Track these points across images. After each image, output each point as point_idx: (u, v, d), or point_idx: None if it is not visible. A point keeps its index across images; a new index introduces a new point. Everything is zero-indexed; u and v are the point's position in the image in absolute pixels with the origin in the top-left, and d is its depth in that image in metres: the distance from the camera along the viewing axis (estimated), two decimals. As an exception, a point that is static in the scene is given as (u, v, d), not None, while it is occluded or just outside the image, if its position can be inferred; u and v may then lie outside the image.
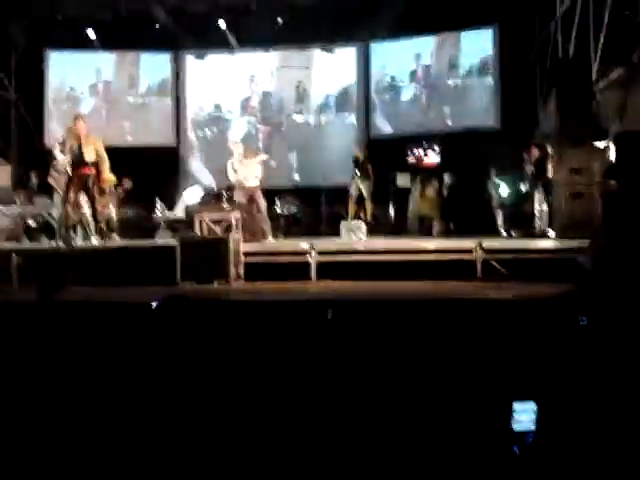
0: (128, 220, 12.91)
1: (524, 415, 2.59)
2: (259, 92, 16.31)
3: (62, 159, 9.64)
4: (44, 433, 3.30)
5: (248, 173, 10.96)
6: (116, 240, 11.07)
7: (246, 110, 16.34)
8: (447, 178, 13.43)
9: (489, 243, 8.36)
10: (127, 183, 12.83)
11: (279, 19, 15.15)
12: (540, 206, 10.51)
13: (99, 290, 7.47)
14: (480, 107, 14.73)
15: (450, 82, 15.17)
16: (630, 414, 2.77)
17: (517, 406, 2.58)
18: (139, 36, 15.39)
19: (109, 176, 11.45)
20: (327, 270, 8.17)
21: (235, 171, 11.04)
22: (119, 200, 12.67)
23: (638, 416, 2.76)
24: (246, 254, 8.40)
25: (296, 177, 15.89)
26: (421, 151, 13.86)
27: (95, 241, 9.74)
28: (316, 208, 14.70)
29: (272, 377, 3.56)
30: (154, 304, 4.00)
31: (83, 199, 9.59)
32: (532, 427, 2.60)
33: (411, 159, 13.96)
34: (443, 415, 2.83)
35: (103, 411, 3.33)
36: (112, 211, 12.25)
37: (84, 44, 15.59)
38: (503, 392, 2.70)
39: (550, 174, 10.26)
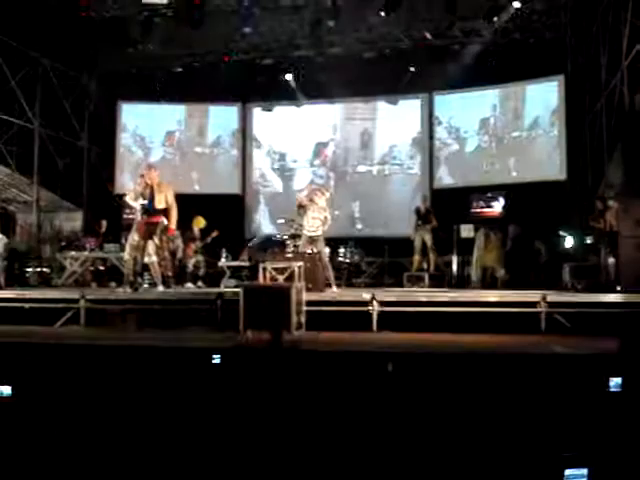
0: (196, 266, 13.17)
1: None
2: (326, 142, 16.54)
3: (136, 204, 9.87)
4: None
5: (317, 222, 10.94)
6: (187, 287, 11.34)
7: (318, 157, 16.54)
8: (511, 229, 13.31)
9: (554, 296, 8.24)
10: (214, 232, 13.07)
11: (345, 72, 15.39)
12: (606, 259, 10.32)
13: (162, 336, 7.62)
14: (545, 159, 14.63)
15: (515, 133, 15.14)
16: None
17: (569, 472, 2.52)
18: (208, 88, 15.86)
19: (198, 222, 11.85)
20: (388, 321, 8.16)
21: (301, 216, 11.06)
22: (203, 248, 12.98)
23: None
24: (308, 303, 8.44)
25: (359, 226, 15.96)
26: (485, 202, 13.78)
27: (161, 287, 9.92)
28: (379, 258, 14.70)
29: (330, 427, 3.58)
30: (216, 356, 4.06)
31: (151, 246, 9.79)
32: None
33: (475, 210, 13.89)
34: (496, 473, 2.80)
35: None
36: (200, 259, 12.63)
37: (156, 96, 16.17)
38: (557, 456, 2.64)
39: (613, 227, 10.10)
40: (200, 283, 12.43)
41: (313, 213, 10.90)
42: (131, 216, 10.87)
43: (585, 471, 2.51)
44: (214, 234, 12.94)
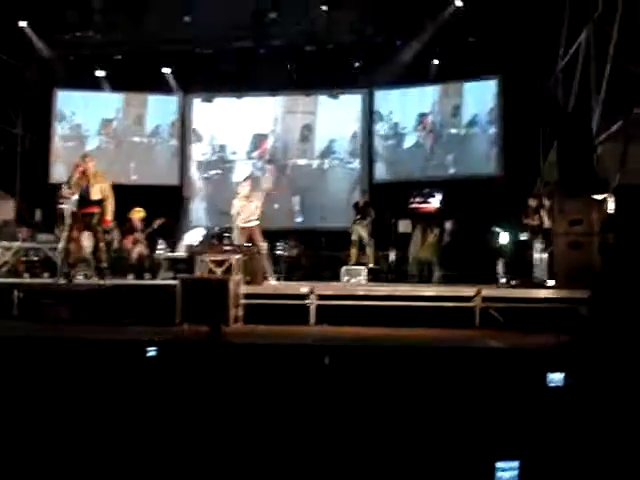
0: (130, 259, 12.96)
1: (507, 473, 2.58)
2: (265, 135, 16.48)
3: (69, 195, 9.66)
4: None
5: (249, 213, 10.99)
6: (117, 278, 11.16)
7: (256, 149, 16.46)
8: (448, 225, 13.50)
9: (488, 291, 8.38)
10: (157, 222, 12.78)
11: (287, 65, 15.37)
12: (540, 255, 10.56)
13: (96, 328, 7.49)
14: (482, 156, 14.88)
15: (453, 130, 15.34)
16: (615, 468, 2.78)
17: (500, 464, 2.56)
18: (147, 78, 15.64)
19: (138, 213, 11.65)
20: (326, 314, 8.18)
21: (238, 211, 11.04)
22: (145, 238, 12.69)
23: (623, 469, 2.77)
24: (246, 296, 8.41)
25: (298, 220, 15.96)
26: (422, 197, 13.93)
27: (95, 279, 9.76)
28: (317, 251, 14.73)
29: (266, 420, 3.57)
30: (152, 349, 4.02)
31: (85, 237, 9.63)
32: None
33: (412, 205, 14.02)
34: (428, 464, 2.84)
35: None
36: (143, 250, 12.36)
37: (93, 84, 15.85)
38: (489, 448, 2.69)
39: (546, 224, 10.35)
40: (148, 275, 12.18)
41: (244, 203, 10.93)
42: (65, 206, 10.60)
43: (516, 464, 2.56)
44: (159, 221, 12.70)
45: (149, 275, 12.02)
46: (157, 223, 12.63)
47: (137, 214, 12.61)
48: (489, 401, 3.38)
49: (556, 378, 3.61)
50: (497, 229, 12.34)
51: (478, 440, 2.83)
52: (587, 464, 2.77)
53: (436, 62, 14.86)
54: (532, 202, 11.12)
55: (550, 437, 2.92)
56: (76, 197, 9.48)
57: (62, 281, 9.56)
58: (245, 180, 12.05)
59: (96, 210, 9.52)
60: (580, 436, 2.96)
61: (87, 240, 9.65)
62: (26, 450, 3.34)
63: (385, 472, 2.90)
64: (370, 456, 3.05)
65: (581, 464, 2.78)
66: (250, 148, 16.52)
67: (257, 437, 3.39)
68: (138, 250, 12.40)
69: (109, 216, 9.74)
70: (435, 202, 14.06)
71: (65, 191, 9.78)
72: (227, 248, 10.06)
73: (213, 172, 16.62)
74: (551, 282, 9.78)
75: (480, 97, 15.05)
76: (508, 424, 3.02)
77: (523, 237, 11.83)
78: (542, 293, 8.75)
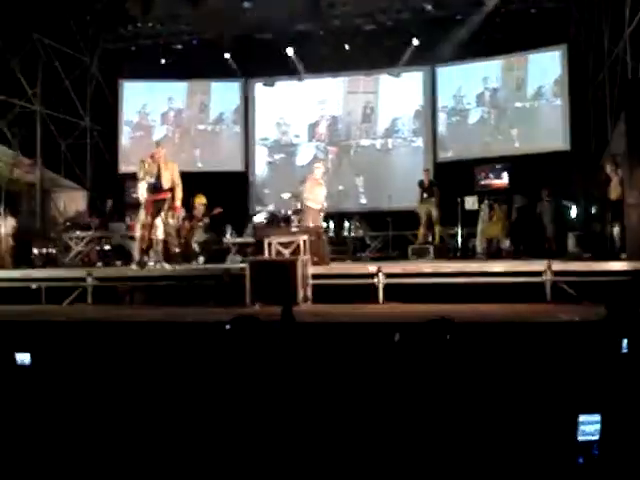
0: (200, 244, 13.18)
1: (589, 426, 2.61)
2: (327, 117, 16.51)
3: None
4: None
5: (321, 195, 10.98)
6: (197, 263, 11.43)
7: (314, 135, 16.56)
8: (516, 200, 13.33)
9: (559, 265, 8.27)
10: (217, 210, 13.00)
11: (346, 45, 15.31)
12: (611, 228, 10.34)
13: (171, 310, 7.68)
14: (549, 129, 14.58)
15: (518, 104, 15.07)
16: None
17: (582, 418, 2.60)
18: (210, 65, 15.81)
19: (199, 199, 11.90)
20: (395, 293, 8.21)
21: (310, 191, 11.03)
22: (206, 226, 12.90)
23: None
24: (314, 276, 8.48)
25: (363, 200, 15.96)
26: (493, 173, 13.75)
27: (167, 265, 9.96)
28: (384, 231, 14.70)
29: (338, 399, 3.61)
30: (227, 325, 4.09)
31: (159, 224, 9.81)
32: (597, 438, 2.61)
33: (483, 182, 13.87)
34: (511, 426, 2.86)
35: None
36: (201, 236, 12.57)
37: (157, 74, 16.11)
38: (569, 405, 2.72)
39: (616, 195, 10.11)
40: (201, 259, 12.35)
41: (317, 186, 10.96)
42: (134, 195, 10.85)
43: (598, 417, 2.59)
44: (217, 211, 12.89)
45: (202, 259, 12.11)
46: (216, 211, 12.81)
47: (199, 201, 12.79)
48: (568, 368, 3.37)
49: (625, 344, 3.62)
50: (567, 203, 12.13)
51: (562, 398, 2.86)
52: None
53: (498, 35, 14.56)
54: (602, 174, 10.86)
55: (628, 393, 2.92)
56: (148, 184, 9.65)
57: (134, 267, 9.80)
58: (319, 162, 12.04)
59: (167, 197, 9.69)
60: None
61: (160, 227, 9.83)
62: (107, 427, 3.46)
63: (468, 437, 2.93)
64: (448, 430, 3.08)
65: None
66: (311, 131, 16.56)
67: (331, 416, 3.44)
68: (202, 237, 12.58)
69: (179, 202, 9.92)
70: (504, 178, 13.89)
71: (140, 182, 9.93)
72: (294, 230, 10.16)
73: (277, 156, 16.74)
74: (623, 254, 9.57)
75: (545, 68, 14.73)
76: (588, 384, 3.03)
77: (593, 210, 11.61)
78: (614, 265, 8.57)
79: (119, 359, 4.84)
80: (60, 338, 5.91)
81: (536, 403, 2.89)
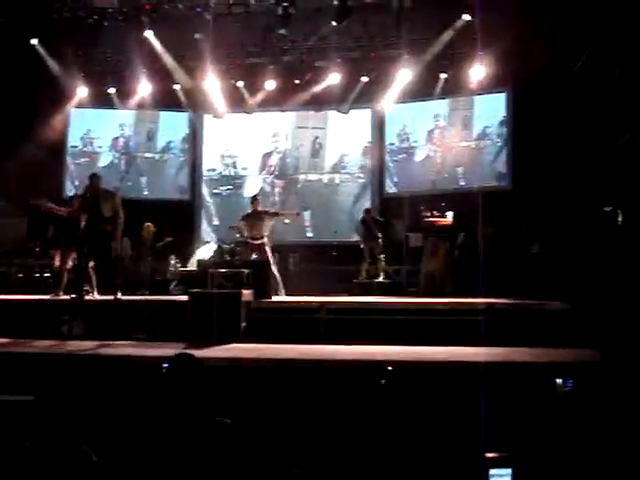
0: (142, 274, 13.01)
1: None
2: (277, 150, 16.58)
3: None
4: None
5: (258, 230, 11.18)
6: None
7: (264, 168, 16.58)
8: (459, 238, 13.48)
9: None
10: (166, 240, 12.93)
11: (296, 81, 15.42)
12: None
13: (107, 345, 7.53)
14: (493, 168, 14.88)
15: (464, 143, 15.34)
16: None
17: (494, 472, 2.60)
18: (159, 95, 15.76)
19: (148, 228, 11.81)
20: (337, 327, 8.20)
21: (249, 226, 11.28)
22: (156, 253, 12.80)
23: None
24: (257, 310, 8.45)
25: (309, 235, 16.00)
26: (438, 212, 13.88)
27: (97, 295, 9.92)
28: (329, 265, 14.71)
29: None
30: (164, 365, 4.02)
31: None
32: None
33: (428, 219, 13.98)
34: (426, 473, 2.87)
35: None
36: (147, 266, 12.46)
37: (105, 101, 15.96)
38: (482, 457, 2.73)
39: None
40: (146, 291, 12.22)
41: (253, 221, 11.18)
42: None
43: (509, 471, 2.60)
44: (168, 239, 12.83)
45: (147, 291, 12.04)
46: (166, 240, 12.74)
47: (147, 231, 12.72)
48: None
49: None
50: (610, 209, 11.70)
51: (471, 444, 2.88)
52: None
53: (444, 76, 14.85)
54: None
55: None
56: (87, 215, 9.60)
57: (71, 297, 9.65)
58: (253, 198, 12.15)
59: (107, 228, 9.59)
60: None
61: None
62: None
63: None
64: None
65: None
66: (260, 165, 16.60)
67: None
68: (148, 265, 12.48)
69: (119, 231, 9.84)
70: (449, 216, 14.04)
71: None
72: (237, 263, 10.12)
73: (224, 188, 16.69)
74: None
75: (490, 110, 15.05)
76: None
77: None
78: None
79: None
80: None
81: (450, 449, 2.90)
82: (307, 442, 3.60)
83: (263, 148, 16.59)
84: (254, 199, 12.02)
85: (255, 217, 11.38)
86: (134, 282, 12.07)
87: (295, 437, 3.77)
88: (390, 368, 3.64)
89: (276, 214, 12.17)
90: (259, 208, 11.64)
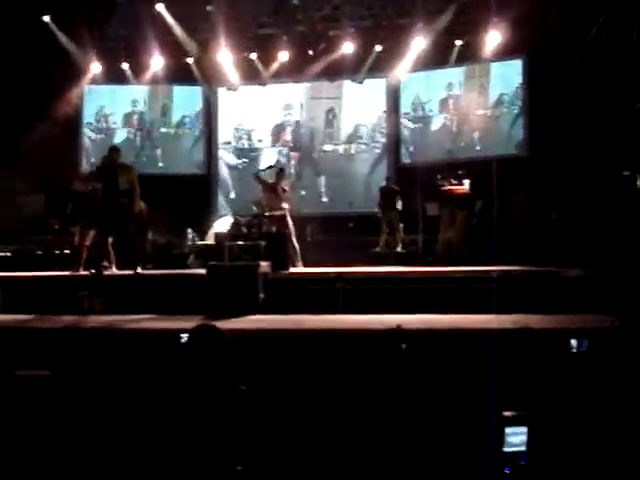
0: (160, 248, 13.08)
1: (516, 438, 2.65)
2: (291, 122, 16.53)
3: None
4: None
5: (275, 202, 11.15)
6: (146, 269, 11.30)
7: (278, 140, 16.56)
8: (477, 206, 13.41)
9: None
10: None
11: (310, 51, 15.32)
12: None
13: (127, 318, 7.59)
14: (510, 136, 14.77)
15: (480, 111, 15.22)
16: (619, 436, 2.80)
17: (509, 429, 2.63)
18: (172, 70, 15.74)
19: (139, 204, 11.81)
20: (355, 298, 8.22)
21: (265, 200, 11.25)
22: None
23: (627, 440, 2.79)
24: (275, 282, 8.48)
25: (325, 199, 16.04)
26: (456, 179, 13.81)
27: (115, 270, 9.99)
28: (346, 235, 14.71)
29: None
30: (184, 336, 4.06)
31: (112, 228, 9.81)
32: (524, 449, 2.65)
33: (445, 187, 13.92)
34: (443, 436, 2.89)
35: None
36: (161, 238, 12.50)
37: (119, 77, 15.96)
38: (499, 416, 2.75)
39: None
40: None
41: (270, 193, 11.12)
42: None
43: (525, 428, 2.63)
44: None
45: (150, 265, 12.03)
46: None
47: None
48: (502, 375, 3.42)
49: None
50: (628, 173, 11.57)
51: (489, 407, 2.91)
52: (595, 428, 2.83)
53: (459, 43, 14.70)
54: None
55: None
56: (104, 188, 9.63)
57: (92, 272, 9.71)
58: (268, 169, 12.10)
59: (124, 200, 9.61)
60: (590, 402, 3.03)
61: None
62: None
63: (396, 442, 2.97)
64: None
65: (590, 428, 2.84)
66: (274, 137, 16.57)
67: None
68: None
69: (136, 206, 9.87)
70: (466, 184, 13.96)
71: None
72: (255, 235, 10.15)
73: (240, 161, 16.69)
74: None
75: (506, 77, 14.91)
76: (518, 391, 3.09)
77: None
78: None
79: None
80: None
81: (467, 411, 2.92)
82: (327, 412, 3.62)
83: (278, 120, 16.54)
84: (281, 172, 11.89)
85: (271, 190, 11.31)
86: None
87: (314, 407, 3.79)
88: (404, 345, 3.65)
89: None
90: (275, 180, 11.53)
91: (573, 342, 3.65)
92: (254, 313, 7.86)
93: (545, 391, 3.14)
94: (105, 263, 10.09)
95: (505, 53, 14.40)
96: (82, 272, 10.32)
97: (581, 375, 3.43)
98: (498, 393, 3.00)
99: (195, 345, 3.66)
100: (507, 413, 2.65)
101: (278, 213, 11.06)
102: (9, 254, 12.93)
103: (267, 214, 11.03)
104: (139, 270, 9.86)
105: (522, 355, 3.77)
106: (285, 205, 11.23)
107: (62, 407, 4.00)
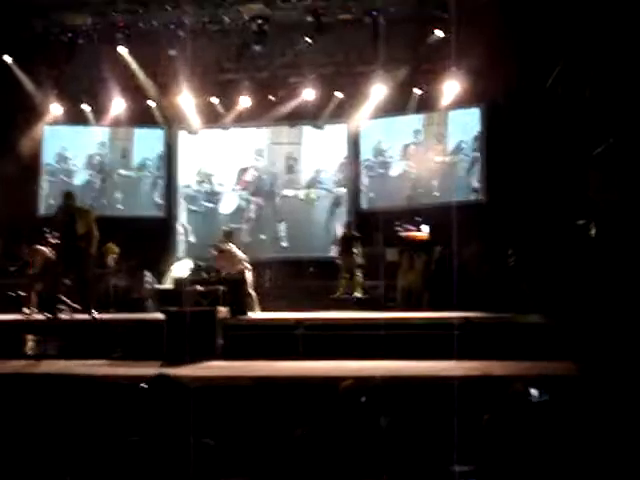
0: (119, 291, 12.93)
1: None
2: (252, 167, 16.57)
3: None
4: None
5: (230, 264, 11.06)
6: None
7: (239, 183, 16.56)
8: (436, 252, 13.51)
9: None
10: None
11: (271, 97, 15.47)
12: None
13: (84, 364, 7.46)
14: (467, 182, 15.01)
15: (439, 158, 15.45)
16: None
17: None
18: (133, 112, 15.75)
19: (111, 247, 11.72)
20: (314, 343, 8.18)
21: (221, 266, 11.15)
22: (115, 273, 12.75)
23: None
24: (232, 327, 8.42)
25: (284, 244, 16.00)
26: (414, 226, 13.92)
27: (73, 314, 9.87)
28: (306, 280, 14.70)
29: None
30: (142, 386, 3.99)
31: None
32: None
33: (404, 233, 14.02)
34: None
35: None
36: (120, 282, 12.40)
37: (79, 118, 15.90)
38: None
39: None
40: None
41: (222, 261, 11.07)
42: (53, 240, 10.72)
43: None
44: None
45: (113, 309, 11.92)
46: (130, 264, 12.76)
47: (111, 252, 12.69)
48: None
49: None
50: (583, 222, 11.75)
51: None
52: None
53: (418, 92, 14.99)
54: None
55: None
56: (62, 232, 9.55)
57: (46, 316, 9.57)
58: (227, 233, 11.91)
59: (82, 244, 9.53)
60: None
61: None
62: None
63: None
64: None
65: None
66: (236, 180, 16.60)
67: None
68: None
69: (93, 249, 9.79)
70: (425, 230, 14.09)
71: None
72: (213, 280, 10.09)
73: (200, 204, 16.64)
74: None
75: (464, 125, 15.18)
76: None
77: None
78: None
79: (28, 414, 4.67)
80: None
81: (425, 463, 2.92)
82: (287, 458, 3.58)
83: (239, 164, 16.57)
84: (229, 234, 11.75)
85: (223, 257, 11.25)
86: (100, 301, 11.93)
87: (274, 454, 3.75)
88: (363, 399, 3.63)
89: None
90: (228, 246, 11.41)
91: (534, 391, 3.67)
92: (213, 359, 7.78)
93: (502, 440, 3.15)
94: (62, 307, 9.94)
95: (464, 102, 14.71)
96: (37, 315, 10.17)
97: (540, 424, 3.44)
98: (456, 442, 3.01)
99: (154, 395, 3.60)
100: (459, 468, 2.65)
101: (234, 272, 10.93)
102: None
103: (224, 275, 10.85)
104: (95, 314, 9.72)
105: (482, 403, 3.78)
106: (241, 265, 11.09)
107: (12, 455, 3.90)
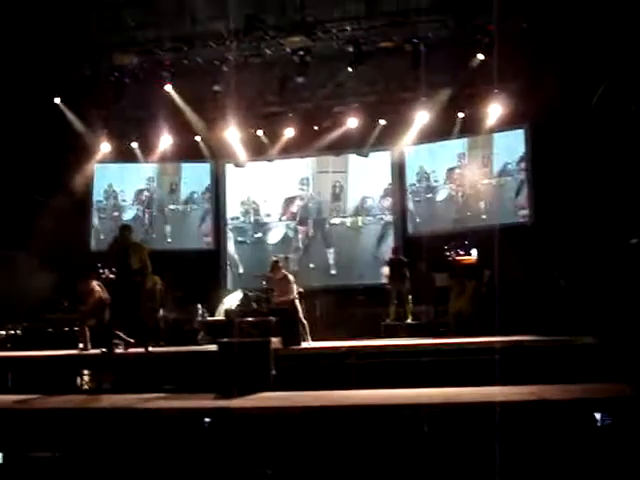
0: (171, 324, 13.06)
1: None
2: (299, 196, 16.71)
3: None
4: None
5: (281, 290, 11.05)
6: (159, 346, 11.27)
7: (285, 214, 16.71)
8: (485, 275, 13.40)
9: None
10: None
11: (315, 127, 15.62)
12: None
13: (139, 397, 7.55)
14: (515, 204, 14.89)
15: (485, 180, 15.39)
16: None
17: None
18: (180, 147, 16.06)
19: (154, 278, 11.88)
20: (367, 372, 8.16)
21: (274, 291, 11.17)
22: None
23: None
24: (286, 358, 8.43)
25: (333, 272, 16.07)
26: (463, 250, 13.85)
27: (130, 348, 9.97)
28: (356, 308, 14.66)
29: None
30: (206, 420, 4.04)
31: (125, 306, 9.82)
32: None
33: (452, 258, 13.95)
34: None
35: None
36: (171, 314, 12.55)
37: (128, 156, 16.25)
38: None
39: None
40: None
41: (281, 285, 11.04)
42: (111, 276, 10.95)
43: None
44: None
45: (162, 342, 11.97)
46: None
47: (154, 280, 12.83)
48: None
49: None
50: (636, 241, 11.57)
51: None
52: None
53: (462, 115, 14.97)
54: None
55: None
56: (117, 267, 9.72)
57: (103, 350, 9.70)
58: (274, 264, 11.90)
59: (137, 278, 9.66)
60: None
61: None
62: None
63: None
64: None
65: None
66: (281, 211, 16.74)
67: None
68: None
69: (148, 283, 9.93)
70: (474, 253, 14.00)
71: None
72: (265, 310, 10.14)
73: (248, 235, 16.82)
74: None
75: (509, 146, 15.11)
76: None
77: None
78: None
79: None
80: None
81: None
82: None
83: (285, 194, 16.74)
84: (276, 263, 11.52)
85: (275, 280, 11.25)
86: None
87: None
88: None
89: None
90: (280, 273, 11.30)
91: (597, 416, 3.62)
92: (266, 390, 7.79)
93: (567, 467, 3.11)
94: (116, 341, 10.07)
95: (507, 123, 14.66)
96: (92, 350, 10.34)
97: (603, 448, 3.39)
98: (516, 467, 2.99)
99: (216, 429, 3.67)
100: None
101: (284, 299, 10.88)
102: (19, 332, 12.96)
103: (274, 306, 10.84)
104: (150, 348, 9.85)
105: (541, 428, 3.75)
106: (293, 294, 11.03)
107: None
